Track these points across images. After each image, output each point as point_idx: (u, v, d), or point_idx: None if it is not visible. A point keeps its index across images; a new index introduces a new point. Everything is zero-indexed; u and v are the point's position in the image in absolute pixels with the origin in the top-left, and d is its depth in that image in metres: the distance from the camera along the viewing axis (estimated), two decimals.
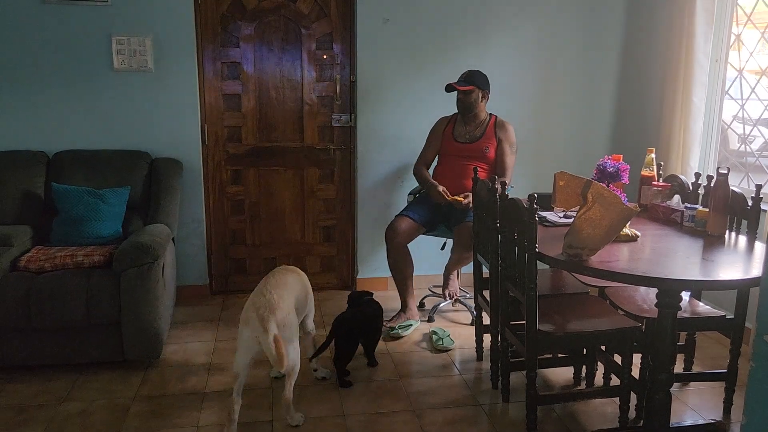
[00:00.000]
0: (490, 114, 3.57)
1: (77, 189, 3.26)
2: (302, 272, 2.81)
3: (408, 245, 3.46)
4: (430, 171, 3.65)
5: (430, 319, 3.61)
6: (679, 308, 2.14)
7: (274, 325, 2.33)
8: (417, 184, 3.78)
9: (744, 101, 3.46)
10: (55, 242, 3.17)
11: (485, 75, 3.48)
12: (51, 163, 3.43)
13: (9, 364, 2.84)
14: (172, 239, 3.39)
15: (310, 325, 2.87)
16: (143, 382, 2.83)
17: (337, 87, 3.94)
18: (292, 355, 2.44)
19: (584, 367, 2.83)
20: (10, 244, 3.00)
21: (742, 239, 2.48)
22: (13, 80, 3.48)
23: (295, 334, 2.50)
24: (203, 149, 3.82)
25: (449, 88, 3.43)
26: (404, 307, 3.51)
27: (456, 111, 3.58)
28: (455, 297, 3.66)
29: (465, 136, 3.54)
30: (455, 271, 3.60)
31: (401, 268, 3.47)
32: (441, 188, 3.41)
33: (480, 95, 3.46)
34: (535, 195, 2.21)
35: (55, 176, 3.37)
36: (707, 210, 2.52)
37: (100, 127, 3.60)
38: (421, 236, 3.55)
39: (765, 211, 2.89)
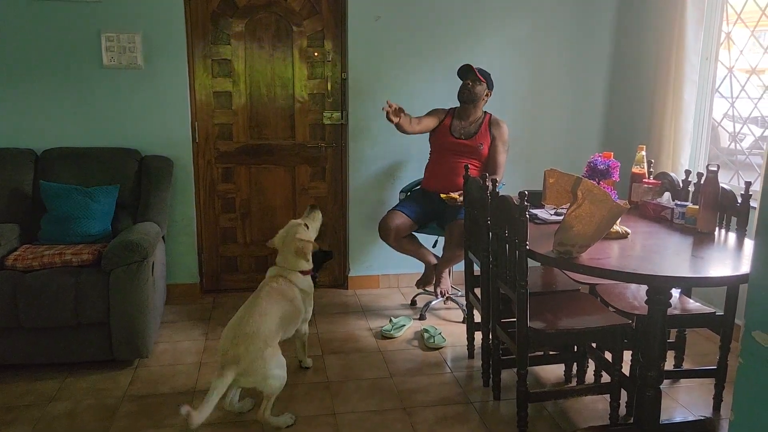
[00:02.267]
0: (485, 112, 3.58)
1: (66, 187, 3.24)
2: (294, 279, 2.68)
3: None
4: (423, 167, 3.68)
5: (422, 317, 3.61)
6: (669, 305, 2.15)
7: (232, 375, 2.25)
8: (409, 182, 3.79)
9: (734, 99, 3.47)
10: (43, 240, 3.14)
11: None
12: (39, 161, 3.40)
13: None
14: (162, 237, 3.37)
15: (304, 328, 2.84)
16: (132, 382, 2.81)
17: (329, 84, 3.92)
18: (272, 381, 2.34)
19: (575, 364, 2.83)
20: None
21: (732, 236, 2.49)
22: (0, 77, 3.44)
23: (272, 365, 2.35)
24: (194, 147, 3.79)
25: (465, 68, 3.46)
26: (427, 265, 3.62)
27: (453, 106, 3.58)
28: (447, 295, 3.65)
29: (460, 131, 3.54)
30: (447, 269, 3.59)
31: (410, 252, 3.58)
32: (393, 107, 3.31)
33: (485, 92, 3.52)
34: (526, 192, 2.21)
35: (43, 174, 3.34)
36: (697, 207, 2.52)
37: (89, 124, 3.57)
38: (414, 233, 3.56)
39: (754, 208, 2.89)
